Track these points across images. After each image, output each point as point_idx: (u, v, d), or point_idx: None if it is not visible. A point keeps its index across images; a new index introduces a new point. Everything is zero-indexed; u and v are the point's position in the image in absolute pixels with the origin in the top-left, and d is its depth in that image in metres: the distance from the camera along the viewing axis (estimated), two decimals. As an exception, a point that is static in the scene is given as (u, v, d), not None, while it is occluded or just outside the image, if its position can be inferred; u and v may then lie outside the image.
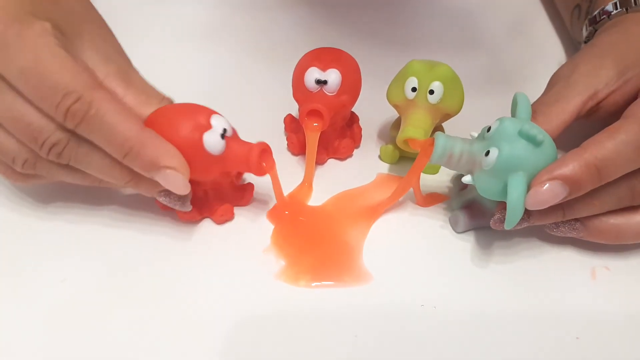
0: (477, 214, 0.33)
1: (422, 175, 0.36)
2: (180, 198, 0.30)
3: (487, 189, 0.30)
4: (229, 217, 0.34)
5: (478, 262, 0.32)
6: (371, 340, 0.29)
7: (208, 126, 0.30)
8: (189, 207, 0.31)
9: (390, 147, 0.37)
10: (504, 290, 0.31)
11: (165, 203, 0.31)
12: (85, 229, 0.33)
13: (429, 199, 0.36)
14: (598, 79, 0.33)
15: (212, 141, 0.29)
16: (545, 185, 0.28)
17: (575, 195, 0.29)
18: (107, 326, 0.29)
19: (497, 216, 0.30)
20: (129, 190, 0.33)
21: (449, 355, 0.28)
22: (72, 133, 0.28)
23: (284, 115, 0.39)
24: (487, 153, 0.29)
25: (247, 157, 0.30)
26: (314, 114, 0.34)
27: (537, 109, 0.32)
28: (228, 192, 0.34)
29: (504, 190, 0.28)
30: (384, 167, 0.38)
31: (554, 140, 0.30)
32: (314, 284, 0.31)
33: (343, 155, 0.38)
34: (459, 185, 0.36)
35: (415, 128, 0.33)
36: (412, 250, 0.33)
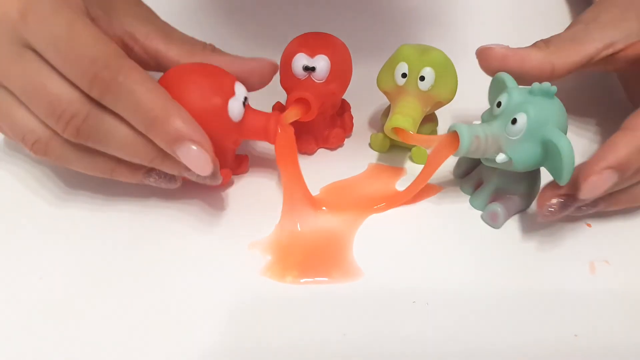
0: (508, 203, 0.32)
1: (415, 166, 0.35)
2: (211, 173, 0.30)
3: (525, 158, 0.29)
4: (226, 182, 0.34)
5: (472, 256, 0.31)
6: (360, 339, 0.28)
7: (232, 92, 0.30)
8: (219, 180, 0.30)
9: (380, 135, 0.37)
10: (499, 285, 0.30)
11: (193, 179, 0.30)
12: (62, 221, 0.32)
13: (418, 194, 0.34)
14: (618, 30, 0.33)
15: (236, 108, 0.30)
16: (603, 174, 0.28)
17: (622, 179, 0.29)
18: (86, 324, 0.28)
19: (546, 205, 0.30)
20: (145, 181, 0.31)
21: (442, 355, 0.27)
22: (95, 106, 0.28)
23: (273, 104, 0.38)
24: (514, 121, 0.29)
25: (266, 125, 0.31)
26: (302, 102, 0.33)
27: (552, 42, 0.33)
28: (228, 158, 0.33)
29: (543, 153, 0.29)
30: (376, 157, 0.37)
31: (563, 77, 0.32)
32: (301, 280, 0.30)
33: (333, 145, 0.37)
34: (460, 173, 0.35)
35: (403, 116, 0.32)
36: (404, 244, 0.32)
